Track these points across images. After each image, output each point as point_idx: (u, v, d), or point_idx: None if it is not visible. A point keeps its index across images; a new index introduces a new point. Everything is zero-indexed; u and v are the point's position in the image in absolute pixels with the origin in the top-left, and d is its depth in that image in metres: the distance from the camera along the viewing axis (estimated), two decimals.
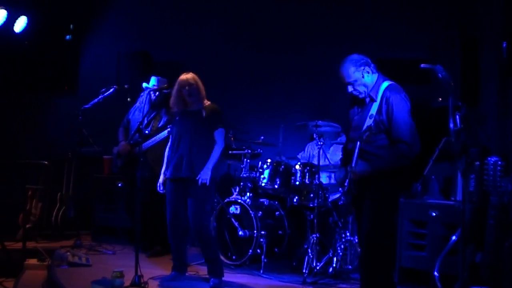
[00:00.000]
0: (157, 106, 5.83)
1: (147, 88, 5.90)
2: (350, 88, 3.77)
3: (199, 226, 4.66)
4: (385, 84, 3.72)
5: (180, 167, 4.63)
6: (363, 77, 3.73)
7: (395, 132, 3.62)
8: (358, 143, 3.63)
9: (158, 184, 4.86)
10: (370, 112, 3.70)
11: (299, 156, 6.15)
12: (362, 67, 3.72)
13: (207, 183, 4.57)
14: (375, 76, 3.76)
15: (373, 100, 3.72)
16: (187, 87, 4.67)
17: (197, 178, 4.56)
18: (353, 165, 3.64)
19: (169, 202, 4.75)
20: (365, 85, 3.74)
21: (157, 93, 5.81)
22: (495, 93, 5.17)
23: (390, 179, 3.66)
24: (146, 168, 5.54)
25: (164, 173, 4.84)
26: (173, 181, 4.71)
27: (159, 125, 5.74)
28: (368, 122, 3.67)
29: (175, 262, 4.82)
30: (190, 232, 4.91)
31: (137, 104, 6.04)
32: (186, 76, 4.71)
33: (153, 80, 5.89)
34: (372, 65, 3.76)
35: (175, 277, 4.75)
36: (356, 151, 3.61)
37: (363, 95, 3.77)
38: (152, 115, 5.82)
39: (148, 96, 5.90)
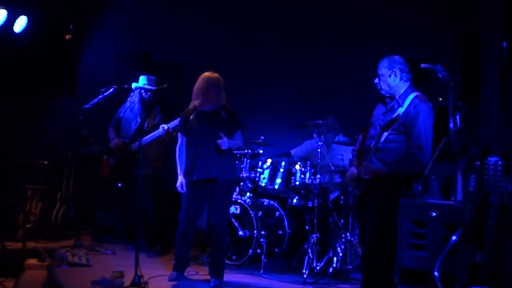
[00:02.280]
0: (150, 105, 5.83)
1: (137, 87, 5.88)
2: (376, 80, 3.94)
3: (221, 227, 4.68)
4: (414, 93, 3.86)
5: (207, 168, 4.59)
6: (389, 76, 3.87)
7: (417, 138, 3.75)
8: (384, 136, 3.77)
9: (180, 185, 4.73)
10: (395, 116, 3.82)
11: (292, 152, 6.15)
12: (394, 69, 3.87)
13: (222, 147, 4.56)
14: (404, 84, 3.89)
15: (399, 106, 3.85)
16: (216, 86, 4.62)
17: (219, 143, 4.55)
18: (368, 161, 3.72)
19: (188, 204, 4.70)
20: (388, 85, 3.90)
21: (148, 92, 5.82)
22: (495, 93, 5.17)
23: (398, 182, 3.80)
24: (146, 165, 5.53)
25: (182, 174, 4.75)
26: (197, 183, 4.64)
27: (155, 122, 5.73)
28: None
29: (177, 262, 4.82)
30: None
31: (127, 103, 6.02)
32: (214, 75, 4.67)
33: (143, 79, 5.88)
34: (406, 75, 3.89)
35: (177, 276, 4.76)
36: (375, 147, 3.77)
37: (383, 92, 3.94)
38: (145, 114, 5.82)
39: (139, 96, 5.90)
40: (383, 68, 3.90)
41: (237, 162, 5.95)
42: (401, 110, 3.83)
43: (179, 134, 4.86)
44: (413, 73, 4.00)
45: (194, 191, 4.69)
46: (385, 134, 3.84)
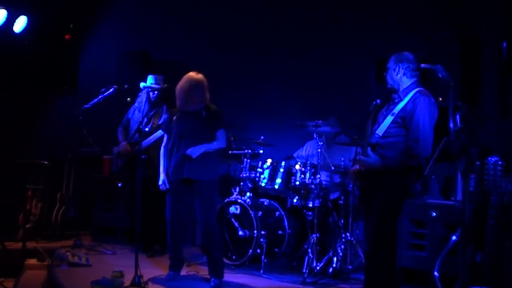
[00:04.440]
0: (157, 104, 5.83)
1: (145, 87, 5.87)
2: (385, 72, 3.98)
3: (209, 225, 4.67)
4: (418, 89, 3.88)
5: (183, 168, 4.61)
6: (394, 70, 3.92)
7: (414, 131, 3.75)
8: (376, 136, 3.81)
9: (163, 182, 4.77)
10: (393, 111, 3.87)
11: (295, 154, 6.15)
12: (401, 65, 3.90)
13: (192, 157, 4.54)
14: (408, 80, 3.91)
15: (400, 100, 3.88)
16: (198, 87, 4.62)
17: (188, 153, 4.53)
18: (363, 155, 3.80)
19: (171, 202, 4.74)
20: (392, 78, 3.94)
21: (156, 91, 5.81)
22: (495, 93, 5.17)
23: (400, 181, 3.79)
24: (148, 166, 5.53)
25: (164, 172, 4.82)
26: (175, 181, 4.69)
27: (159, 123, 5.73)
28: (389, 119, 3.85)
29: (173, 261, 4.83)
30: (189, 232, 4.91)
31: (136, 104, 6.02)
32: (198, 75, 4.67)
33: (150, 79, 5.87)
34: (413, 72, 3.90)
35: (174, 276, 4.76)
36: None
37: (388, 86, 3.98)
38: (151, 113, 5.82)
39: (146, 95, 5.89)
40: (391, 62, 3.95)
41: (237, 161, 5.98)
42: (402, 104, 3.85)
43: (164, 135, 4.90)
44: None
45: (175, 189, 4.71)
46: (384, 127, 3.86)
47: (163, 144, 4.91)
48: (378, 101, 3.98)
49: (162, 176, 4.81)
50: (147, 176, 5.58)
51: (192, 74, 4.68)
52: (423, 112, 3.75)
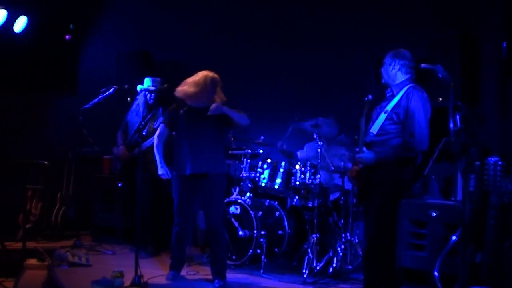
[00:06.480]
0: (154, 106, 5.83)
1: (142, 90, 5.86)
2: (381, 67, 4.04)
3: (218, 224, 4.66)
4: (410, 84, 3.93)
5: (199, 162, 4.58)
6: (390, 65, 3.97)
7: (409, 125, 3.79)
8: (371, 135, 3.88)
9: (165, 171, 4.75)
10: (386, 108, 3.91)
11: (298, 154, 6.15)
12: (396, 62, 3.95)
13: (219, 110, 4.55)
14: (402, 76, 3.95)
15: (393, 95, 3.94)
16: (215, 84, 4.64)
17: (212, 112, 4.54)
18: (359, 153, 3.84)
19: (181, 200, 4.69)
20: (387, 74, 4.00)
21: (153, 94, 5.81)
22: (495, 93, 5.17)
23: (394, 170, 3.81)
24: (145, 168, 5.53)
25: (163, 163, 4.78)
26: (189, 177, 4.63)
27: (155, 126, 5.72)
28: (383, 117, 3.89)
29: (174, 261, 4.81)
30: (190, 232, 4.89)
31: (134, 106, 6.01)
32: (211, 73, 4.67)
33: (147, 81, 5.86)
34: (407, 68, 3.94)
35: (174, 276, 4.75)
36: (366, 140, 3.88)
37: (383, 81, 4.05)
38: (148, 117, 5.81)
39: (144, 98, 5.88)
40: (388, 57, 4.00)
41: (237, 161, 5.98)
42: (395, 100, 3.89)
43: (162, 126, 4.84)
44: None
45: (187, 185, 4.66)
46: (378, 125, 3.86)
47: (158, 134, 4.83)
48: (370, 96, 3.99)
49: (161, 168, 4.76)
50: (144, 177, 5.59)
51: (210, 73, 4.68)
52: (417, 106, 3.79)
